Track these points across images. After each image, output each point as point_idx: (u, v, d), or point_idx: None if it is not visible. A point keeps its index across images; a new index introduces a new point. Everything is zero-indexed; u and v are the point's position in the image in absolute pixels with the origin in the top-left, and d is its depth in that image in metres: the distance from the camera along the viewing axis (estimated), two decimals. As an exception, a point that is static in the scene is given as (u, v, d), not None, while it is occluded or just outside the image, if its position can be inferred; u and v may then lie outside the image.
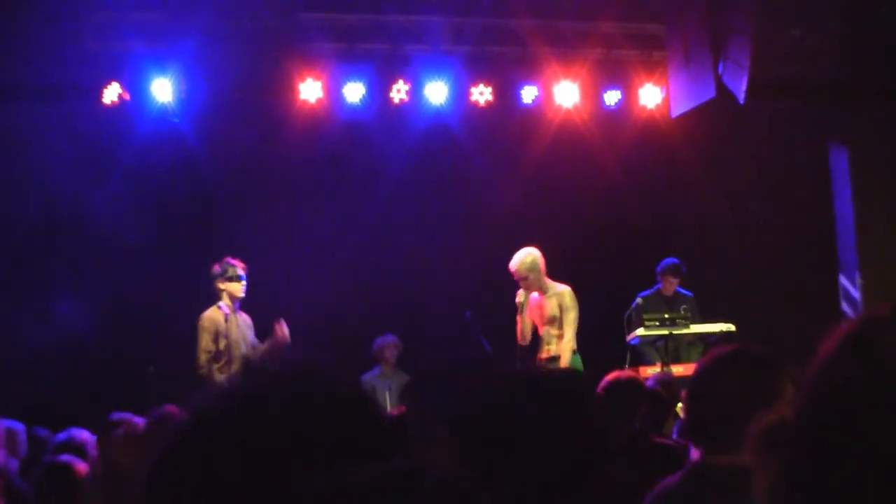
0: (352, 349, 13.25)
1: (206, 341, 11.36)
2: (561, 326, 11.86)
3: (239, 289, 11.61)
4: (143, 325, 12.95)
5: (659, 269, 13.08)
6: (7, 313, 12.61)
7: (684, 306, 12.57)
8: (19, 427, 8.46)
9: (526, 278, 11.94)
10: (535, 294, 11.97)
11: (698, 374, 3.91)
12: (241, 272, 11.61)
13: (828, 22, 11.46)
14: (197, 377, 11.31)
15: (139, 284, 13.19)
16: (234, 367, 11.45)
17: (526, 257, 11.92)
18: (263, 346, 11.65)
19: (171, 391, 10.22)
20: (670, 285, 13.03)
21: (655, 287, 13.06)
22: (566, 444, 2.73)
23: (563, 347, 11.82)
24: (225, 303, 11.56)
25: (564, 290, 11.96)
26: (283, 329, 11.52)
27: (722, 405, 3.69)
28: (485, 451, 2.70)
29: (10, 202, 12.86)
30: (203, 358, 11.34)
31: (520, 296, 11.89)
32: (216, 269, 11.61)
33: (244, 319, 11.75)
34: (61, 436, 7.70)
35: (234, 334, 11.53)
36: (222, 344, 11.41)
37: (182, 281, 12.84)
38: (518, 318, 11.91)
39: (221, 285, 11.59)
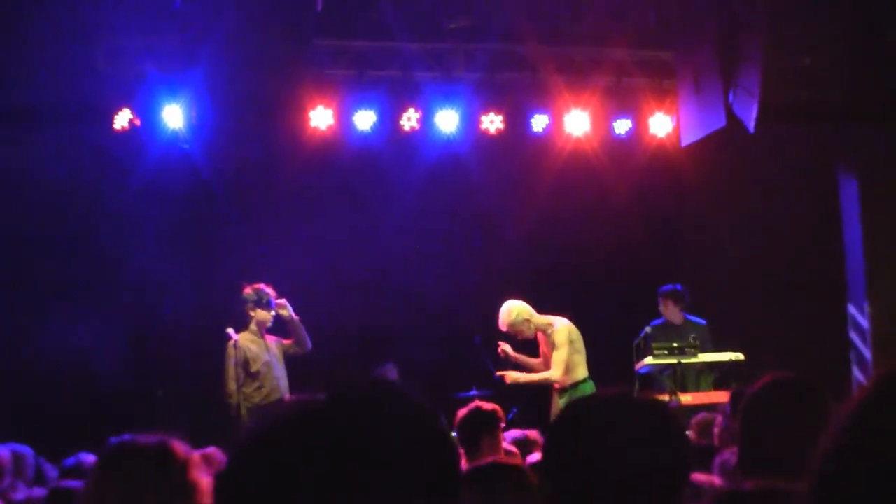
0: (357, 375, 13.22)
1: (232, 370, 11.40)
2: None
3: (269, 317, 11.71)
4: (152, 348, 12.96)
5: (659, 294, 13.04)
6: (13, 336, 12.63)
7: (693, 335, 12.50)
8: (28, 451, 8.46)
9: (521, 331, 12.06)
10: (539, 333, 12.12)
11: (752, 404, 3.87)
12: (272, 299, 11.71)
13: (836, 48, 11.46)
14: (216, 403, 11.35)
15: (147, 308, 13.20)
16: (266, 391, 11.54)
17: (510, 312, 12.05)
18: (288, 342, 11.85)
19: (180, 414, 10.26)
20: (670, 312, 12.94)
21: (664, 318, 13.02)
22: (656, 467, 2.75)
23: (545, 375, 11.92)
24: (252, 328, 11.64)
25: (558, 328, 12.02)
26: (288, 310, 11.69)
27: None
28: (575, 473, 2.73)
29: (21, 225, 12.89)
30: (231, 386, 11.38)
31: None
32: (249, 293, 11.67)
33: (273, 342, 11.85)
34: (69, 461, 7.70)
35: (263, 358, 11.61)
36: (253, 368, 11.48)
37: (191, 305, 12.87)
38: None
39: (252, 312, 11.66)
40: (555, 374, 11.89)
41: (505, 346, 12.15)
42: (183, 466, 2.89)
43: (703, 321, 12.91)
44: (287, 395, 11.76)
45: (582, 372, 12.02)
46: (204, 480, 2.93)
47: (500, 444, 8.09)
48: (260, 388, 11.57)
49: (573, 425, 2.89)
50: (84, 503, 2.77)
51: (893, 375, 1.85)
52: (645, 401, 3.02)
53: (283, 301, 11.85)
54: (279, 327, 12.02)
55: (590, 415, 2.91)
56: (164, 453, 2.90)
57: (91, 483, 2.87)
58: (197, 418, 11.26)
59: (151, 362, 12.75)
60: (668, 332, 12.71)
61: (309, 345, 11.99)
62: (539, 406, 12.00)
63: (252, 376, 11.51)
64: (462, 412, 8.16)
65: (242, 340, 11.50)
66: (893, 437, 1.75)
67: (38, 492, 7.49)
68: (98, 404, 12.28)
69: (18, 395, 12.08)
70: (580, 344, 12.07)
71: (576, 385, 11.94)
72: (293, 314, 11.88)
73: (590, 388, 11.91)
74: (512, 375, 11.96)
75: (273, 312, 11.76)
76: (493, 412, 8.16)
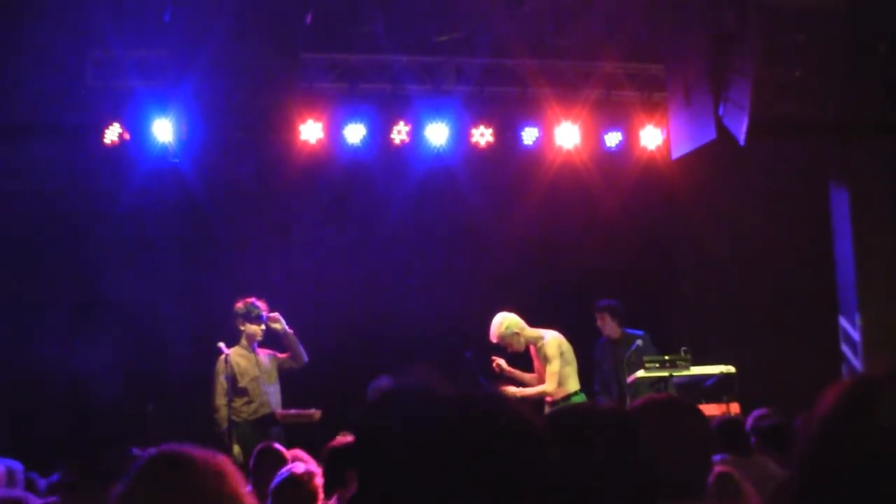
0: (350, 389, 13.21)
1: (221, 384, 11.40)
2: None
3: (259, 331, 11.70)
4: (142, 363, 12.91)
5: (596, 309, 12.97)
6: (3, 350, 12.59)
7: (638, 344, 12.40)
8: (18, 466, 8.44)
9: (511, 343, 12.10)
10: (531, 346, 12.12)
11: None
12: (263, 314, 11.70)
13: (828, 62, 11.47)
14: (207, 418, 11.33)
15: (137, 322, 13.16)
16: (255, 406, 11.54)
17: (500, 325, 12.10)
18: (283, 356, 11.84)
19: (171, 429, 10.21)
20: (608, 326, 12.80)
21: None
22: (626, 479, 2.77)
23: (540, 389, 11.92)
24: (243, 343, 11.62)
25: (548, 340, 12.06)
26: (281, 324, 11.68)
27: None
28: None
29: (11, 238, 12.85)
30: (218, 401, 11.38)
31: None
32: (240, 307, 11.66)
33: (266, 356, 11.83)
34: (56, 475, 7.67)
35: (252, 373, 11.59)
36: (241, 384, 11.47)
37: (181, 319, 12.84)
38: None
39: (242, 326, 11.65)
40: (549, 386, 11.90)
41: (500, 361, 12.15)
42: (219, 475, 2.90)
43: (640, 332, 12.79)
44: (279, 410, 11.74)
45: (573, 384, 12.02)
46: (244, 491, 2.96)
47: None
48: (248, 402, 11.56)
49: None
50: None
51: (870, 379, 1.88)
52: (615, 413, 3.03)
53: (275, 315, 11.83)
54: (275, 342, 12.00)
55: (563, 424, 2.93)
56: (199, 462, 2.91)
57: (126, 493, 2.87)
58: (187, 433, 11.21)
59: (142, 377, 12.69)
60: (607, 349, 12.72)
61: (305, 358, 11.96)
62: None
63: (240, 392, 11.49)
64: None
65: (233, 355, 11.48)
66: (869, 438, 1.79)
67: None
68: (87, 419, 12.24)
69: (8, 409, 12.02)
70: (571, 356, 12.09)
71: (567, 398, 11.93)
72: (287, 328, 11.86)
73: (581, 400, 11.90)
74: (510, 391, 11.94)
75: (263, 327, 11.75)
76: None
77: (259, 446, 8.33)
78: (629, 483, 2.78)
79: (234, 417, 11.35)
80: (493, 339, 12.11)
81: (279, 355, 11.96)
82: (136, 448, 8.46)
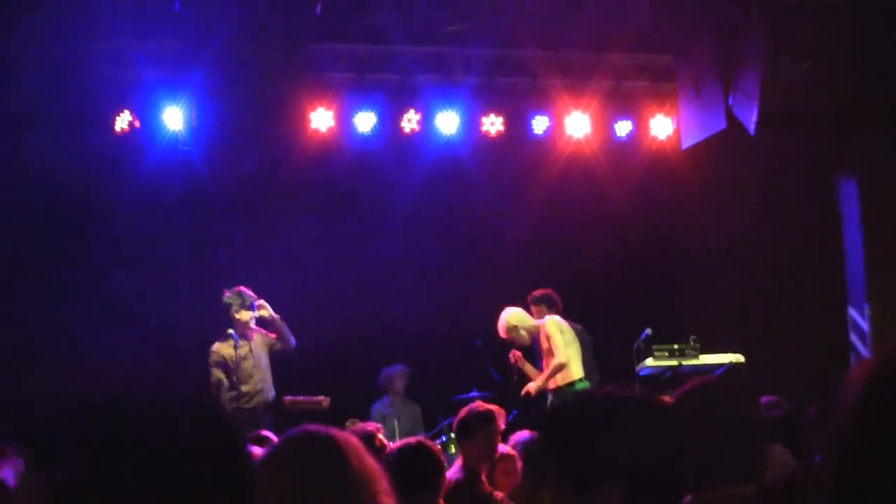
0: (359, 377, 13.26)
1: (216, 374, 11.47)
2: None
3: (250, 317, 11.72)
4: (148, 352, 12.90)
5: (531, 301, 12.83)
6: (9, 338, 12.60)
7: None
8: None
9: (514, 338, 12.18)
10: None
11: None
12: (254, 301, 11.74)
13: (837, 53, 11.46)
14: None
15: (145, 310, 13.16)
16: (249, 394, 11.58)
17: (502, 320, 12.29)
18: (273, 337, 11.88)
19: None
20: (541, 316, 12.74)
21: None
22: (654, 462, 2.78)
23: (553, 363, 11.95)
24: (234, 332, 11.64)
25: (546, 321, 12.12)
26: (268, 310, 11.72)
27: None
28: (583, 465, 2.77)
29: (20, 226, 12.85)
30: (218, 388, 11.42)
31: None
32: (232, 296, 11.69)
33: (257, 336, 11.86)
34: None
35: (246, 362, 11.62)
36: (234, 375, 11.51)
37: (188, 308, 12.86)
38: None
39: (237, 314, 11.68)
40: (559, 357, 11.91)
41: (517, 353, 12.20)
42: (358, 453, 3.02)
43: (578, 325, 12.72)
44: (288, 396, 11.78)
45: (576, 371, 12.03)
46: (376, 467, 3.08)
47: (494, 443, 8.26)
48: (245, 393, 11.60)
49: (573, 418, 2.91)
50: (263, 488, 2.85)
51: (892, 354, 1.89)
52: (639, 397, 3.03)
53: (262, 302, 11.88)
54: (263, 327, 12.02)
55: (590, 408, 2.93)
56: (341, 441, 3.03)
57: (269, 470, 2.99)
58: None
59: (147, 367, 12.70)
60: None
61: (292, 342, 11.99)
62: (541, 408, 11.98)
63: (236, 383, 11.54)
64: (462, 411, 8.39)
65: (226, 348, 11.55)
66: None
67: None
68: (91, 409, 12.22)
69: (9, 398, 12.02)
70: (571, 337, 12.11)
71: (570, 384, 11.96)
72: (273, 313, 11.90)
73: (583, 388, 11.93)
74: (531, 387, 12.01)
75: (255, 313, 11.78)
76: (489, 412, 8.32)
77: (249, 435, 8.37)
78: (661, 468, 2.78)
79: (230, 405, 11.37)
80: (501, 334, 12.22)
81: (269, 335, 11.98)
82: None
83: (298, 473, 2.98)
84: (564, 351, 11.96)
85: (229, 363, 11.53)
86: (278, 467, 3.03)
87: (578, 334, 12.43)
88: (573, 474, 2.77)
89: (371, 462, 3.11)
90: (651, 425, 2.82)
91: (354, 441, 3.12)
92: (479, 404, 8.62)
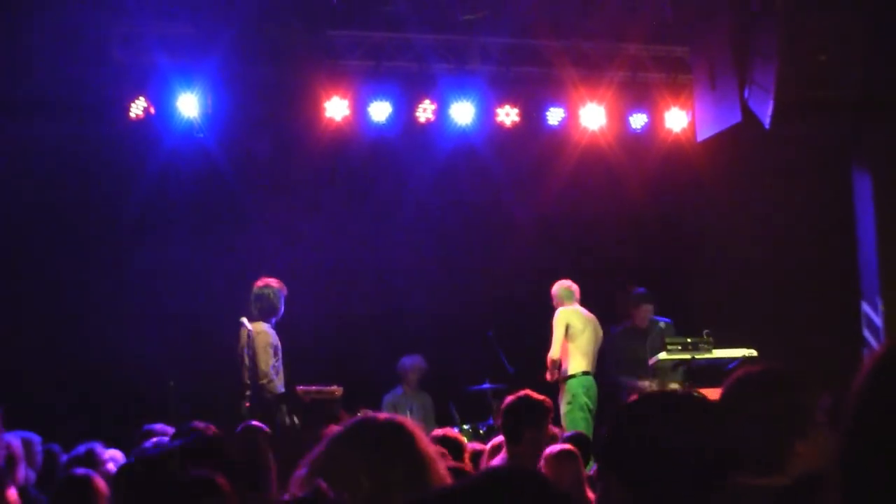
0: (371, 367, 13.26)
1: (272, 360, 11.28)
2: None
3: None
4: (164, 338, 12.91)
5: (631, 301, 12.95)
6: (25, 324, 12.62)
7: (661, 325, 12.44)
8: (36, 438, 8.48)
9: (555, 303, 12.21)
10: None
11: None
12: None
13: (852, 44, 11.42)
14: (228, 393, 11.30)
15: (160, 298, 13.17)
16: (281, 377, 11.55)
17: (556, 286, 12.39)
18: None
19: (192, 406, 10.26)
20: (646, 314, 12.85)
21: (627, 322, 12.94)
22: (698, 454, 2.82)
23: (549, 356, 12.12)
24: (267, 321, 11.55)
25: (558, 312, 12.30)
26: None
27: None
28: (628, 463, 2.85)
29: (35, 213, 12.87)
30: (268, 370, 11.24)
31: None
32: (278, 286, 11.50)
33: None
34: (80, 448, 7.72)
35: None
36: (276, 358, 11.44)
37: (204, 294, 12.86)
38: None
39: (280, 304, 11.54)
40: (552, 352, 12.07)
41: None
42: (419, 440, 3.14)
43: (668, 319, 12.81)
44: (300, 387, 11.77)
45: (576, 365, 12.03)
46: (437, 455, 3.21)
47: (544, 436, 7.62)
48: (279, 373, 11.57)
49: (636, 417, 2.99)
50: (327, 471, 2.95)
51: None
52: (695, 397, 3.09)
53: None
54: None
55: (650, 407, 3.01)
56: (408, 424, 3.17)
57: (332, 453, 3.08)
58: (207, 409, 11.23)
59: (164, 352, 12.70)
60: (634, 336, 12.70)
61: None
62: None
63: (276, 364, 11.49)
64: (509, 399, 7.76)
65: (271, 333, 11.44)
66: None
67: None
68: (110, 394, 12.26)
69: (28, 385, 12.04)
70: (576, 332, 12.09)
71: (567, 379, 11.96)
72: None
73: (579, 384, 11.94)
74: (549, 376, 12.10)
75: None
76: (541, 403, 7.70)
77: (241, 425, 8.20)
78: (701, 459, 2.81)
79: (269, 386, 11.24)
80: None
81: None
82: (159, 424, 8.56)
83: (370, 451, 3.05)
84: (557, 345, 12.00)
85: (278, 350, 11.46)
86: (351, 447, 3.10)
87: (668, 328, 12.51)
88: (633, 474, 2.84)
89: (431, 445, 3.19)
90: (705, 424, 2.89)
91: (417, 426, 3.20)
92: (530, 393, 7.79)
